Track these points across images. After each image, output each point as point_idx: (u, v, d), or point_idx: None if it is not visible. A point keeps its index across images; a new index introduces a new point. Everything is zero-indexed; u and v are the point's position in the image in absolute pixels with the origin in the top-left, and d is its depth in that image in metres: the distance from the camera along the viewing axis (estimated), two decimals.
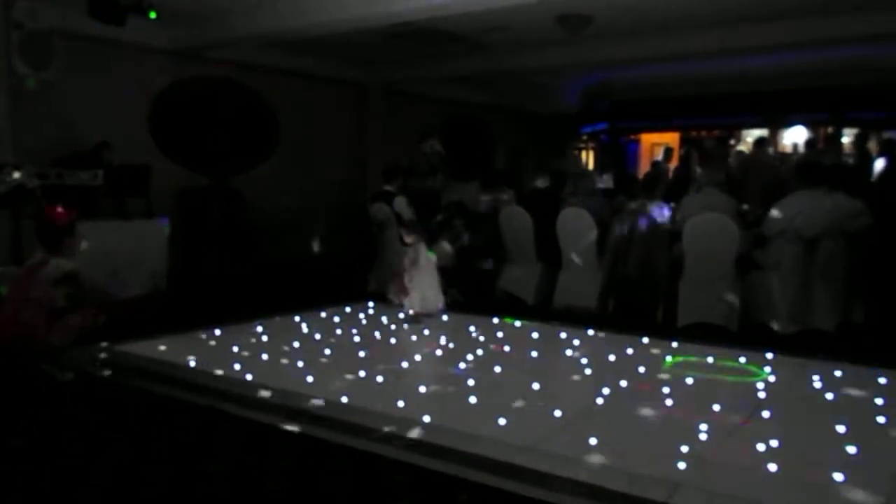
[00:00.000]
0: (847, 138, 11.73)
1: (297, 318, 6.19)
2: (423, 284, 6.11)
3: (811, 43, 8.74)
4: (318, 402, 3.95)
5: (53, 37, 7.32)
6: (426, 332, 5.85)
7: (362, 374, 4.53)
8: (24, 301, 4.42)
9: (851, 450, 3.35)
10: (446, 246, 6.27)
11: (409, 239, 6.23)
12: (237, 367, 4.62)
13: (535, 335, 5.68)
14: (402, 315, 6.19)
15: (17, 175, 6.34)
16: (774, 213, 6.12)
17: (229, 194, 9.45)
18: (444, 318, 6.35)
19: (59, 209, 4.64)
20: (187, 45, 8.90)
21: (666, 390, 4.25)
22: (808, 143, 11.05)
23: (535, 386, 4.28)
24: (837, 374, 4.66)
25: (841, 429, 3.62)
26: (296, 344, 5.31)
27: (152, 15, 7.44)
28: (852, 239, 6.11)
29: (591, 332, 5.79)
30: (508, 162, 12.68)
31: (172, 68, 9.17)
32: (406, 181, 8.01)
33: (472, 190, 8.48)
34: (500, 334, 5.71)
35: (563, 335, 5.71)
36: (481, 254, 7.64)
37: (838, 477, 3.03)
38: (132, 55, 8.66)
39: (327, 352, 5.08)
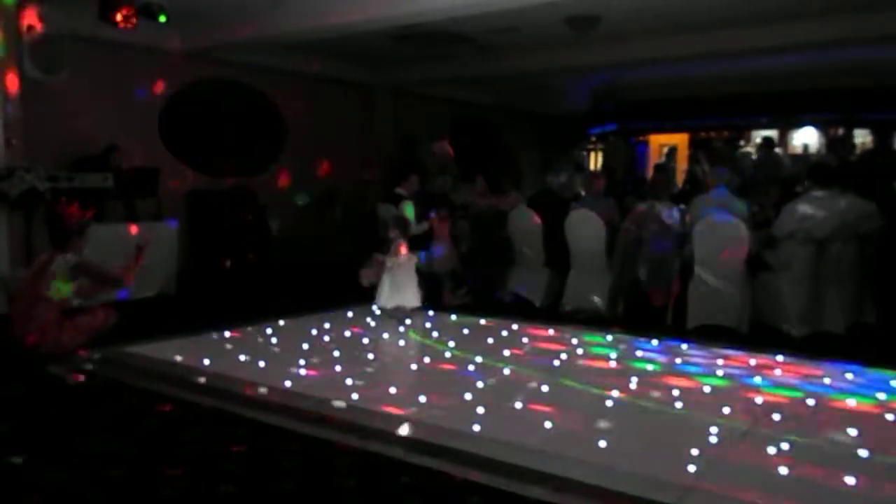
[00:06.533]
0: (859, 139, 11.67)
1: (305, 320, 6.20)
2: (397, 281, 6.17)
3: (822, 44, 8.68)
4: (327, 403, 3.96)
5: (64, 41, 7.36)
6: (435, 333, 5.85)
7: (371, 375, 4.54)
8: (35, 298, 4.45)
9: (863, 453, 3.33)
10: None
11: (391, 234, 6.31)
12: (246, 368, 4.63)
13: (544, 337, 5.67)
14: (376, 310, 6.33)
15: (28, 178, 6.38)
16: (785, 214, 6.09)
17: (240, 196, 9.48)
18: (453, 317, 6.36)
19: (73, 208, 4.67)
20: (197, 48, 8.93)
21: (676, 393, 4.24)
22: (831, 144, 10.99)
23: (545, 388, 4.28)
24: (849, 375, 4.63)
25: (853, 431, 3.59)
26: (304, 346, 5.32)
27: (162, 18, 7.46)
28: (863, 240, 6.07)
29: (600, 334, 5.77)
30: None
31: (182, 71, 9.21)
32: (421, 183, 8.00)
33: (478, 191, 8.47)
34: (508, 338, 5.70)
35: (573, 337, 5.70)
36: (489, 255, 7.62)
37: (850, 480, 3.01)
38: (142, 58, 8.69)
39: (336, 354, 5.09)
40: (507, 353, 5.17)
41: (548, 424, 3.65)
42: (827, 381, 4.51)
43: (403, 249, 6.22)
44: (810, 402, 4.12)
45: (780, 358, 5.00)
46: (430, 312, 6.50)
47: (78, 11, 7.30)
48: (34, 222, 6.47)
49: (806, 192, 6.36)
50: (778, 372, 4.73)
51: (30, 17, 7.00)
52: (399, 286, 6.18)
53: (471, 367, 4.77)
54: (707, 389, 4.34)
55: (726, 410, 3.91)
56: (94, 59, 8.20)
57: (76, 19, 7.41)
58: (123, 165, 7.88)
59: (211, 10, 8.04)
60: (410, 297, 6.24)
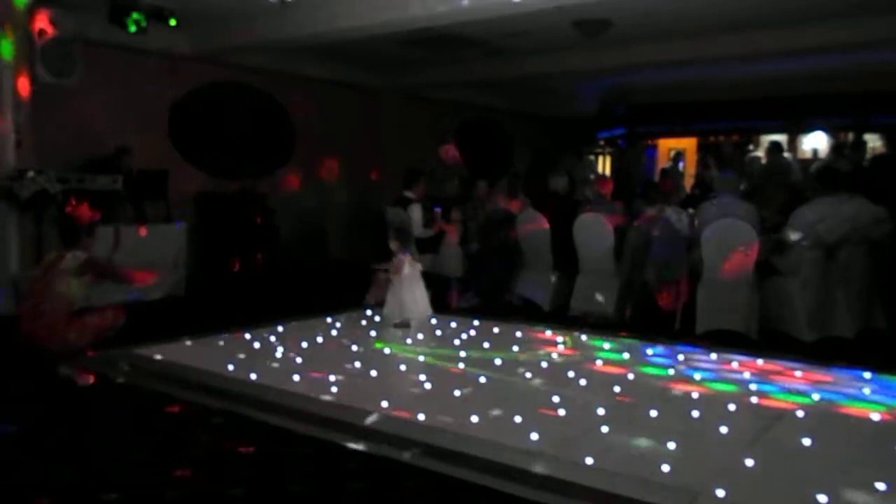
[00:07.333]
0: (870, 143, 11.59)
1: (313, 323, 6.21)
2: (403, 293, 6.10)
3: (832, 48, 8.65)
4: (334, 406, 3.96)
5: (75, 44, 7.41)
6: (437, 332, 5.85)
7: (378, 379, 4.54)
8: (43, 297, 4.48)
9: (873, 456, 3.31)
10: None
11: (392, 246, 6.22)
12: (255, 370, 4.64)
13: (552, 341, 5.67)
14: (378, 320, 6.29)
15: (39, 180, 6.42)
16: (795, 219, 6.06)
17: (248, 199, 9.52)
18: (459, 321, 6.36)
19: (84, 208, 4.71)
20: (206, 51, 8.97)
21: (685, 397, 4.22)
22: (837, 149, 10.94)
23: (553, 392, 4.27)
24: (859, 380, 4.60)
25: (862, 436, 3.57)
26: (312, 349, 5.32)
27: (172, 22, 7.52)
28: (873, 245, 6.04)
29: (608, 338, 5.76)
30: (530, 163, 12.71)
31: (191, 74, 9.25)
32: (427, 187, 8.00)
33: (480, 195, 8.49)
34: (517, 342, 5.69)
35: (582, 341, 5.69)
36: (497, 258, 7.62)
37: (858, 483, 2.99)
38: (152, 61, 8.75)
39: (344, 357, 5.09)
40: (515, 356, 5.16)
41: (556, 429, 3.64)
42: (837, 385, 4.48)
43: (404, 263, 6.15)
44: (818, 406, 4.10)
45: (789, 363, 4.97)
46: (434, 320, 6.43)
47: (89, 15, 7.36)
48: (44, 224, 6.51)
49: (814, 196, 6.33)
50: (787, 377, 4.70)
51: (41, 21, 7.06)
52: (402, 299, 6.10)
53: (478, 371, 4.76)
54: (716, 395, 4.32)
55: (736, 416, 3.89)
56: (104, 63, 8.25)
57: (87, 23, 7.46)
58: (133, 168, 7.93)
59: (220, 14, 8.08)
60: (418, 308, 6.17)
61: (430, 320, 6.31)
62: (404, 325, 6.09)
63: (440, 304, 6.78)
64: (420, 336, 5.89)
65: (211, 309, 7.22)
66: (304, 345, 5.42)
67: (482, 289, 7.54)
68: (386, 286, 6.22)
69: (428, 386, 4.42)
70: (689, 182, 12.40)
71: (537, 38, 9.11)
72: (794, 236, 5.89)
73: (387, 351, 5.35)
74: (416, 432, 3.59)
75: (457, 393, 4.27)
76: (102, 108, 8.36)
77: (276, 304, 7.17)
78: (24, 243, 6.60)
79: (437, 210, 7.52)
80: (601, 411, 3.96)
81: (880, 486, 3.00)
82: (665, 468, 3.14)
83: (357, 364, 4.89)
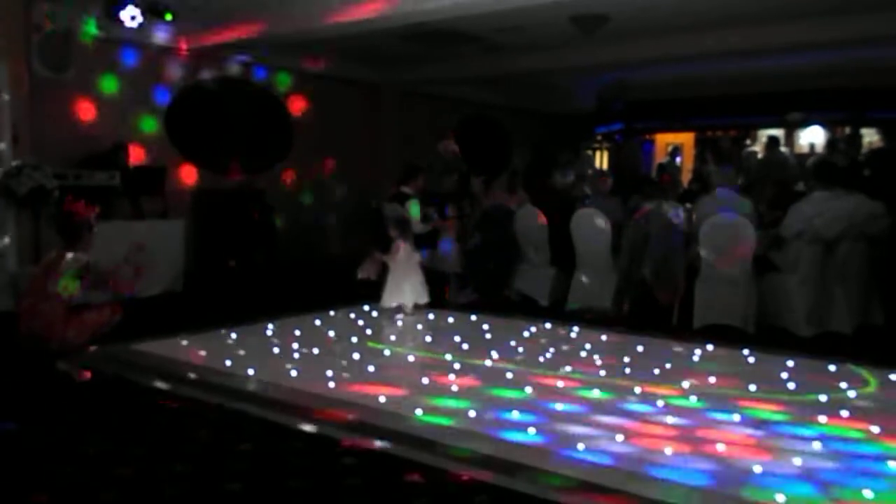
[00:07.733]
0: (867, 138, 11.63)
1: (311, 318, 6.21)
2: (398, 279, 6.24)
3: (830, 43, 8.65)
4: (332, 401, 3.96)
5: (72, 38, 7.38)
6: (435, 327, 5.85)
7: (376, 374, 4.54)
8: (42, 295, 4.47)
9: (870, 451, 3.32)
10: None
11: (392, 233, 6.37)
12: (253, 366, 4.64)
13: (549, 336, 5.67)
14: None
15: (36, 176, 6.40)
16: (792, 214, 6.07)
17: (246, 195, 9.49)
18: (456, 315, 6.37)
19: (82, 205, 4.69)
20: (203, 46, 8.94)
21: (684, 392, 4.23)
22: (830, 144, 10.96)
23: (552, 387, 4.28)
24: (856, 376, 4.61)
25: (860, 432, 3.58)
26: (310, 344, 5.32)
27: (168, 17, 7.49)
28: (871, 240, 6.05)
29: (605, 333, 5.76)
30: (528, 159, 12.70)
31: (188, 69, 9.22)
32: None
33: (477, 190, 8.48)
34: (515, 337, 5.70)
35: (578, 336, 5.69)
36: (495, 254, 7.62)
37: (856, 479, 3.00)
38: (149, 56, 8.71)
39: (341, 352, 5.09)
40: (513, 352, 5.16)
41: (555, 424, 3.65)
42: (834, 381, 4.49)
43: (402, 248, 6.24)
44: (816, 402, 4.11)
45: (786, 359, 4.99)
46: (431, 315, 6.46)
47: (86, 9, 7.33)
48: (42, 220, 6.49)
49: (810, 191, 6.33)
50: (784, 373, 4.71)
51: (38, 15, 7.03)
52: (400, 284, 6.21)
53: (475, 366, 4.77)
54: (714, 389, 4.33)
55: (735, 411, 3.90)
56: (101, 57, 8.21)
57: (84, 17, 7.44)
58: (130, 164, 7.90)
59: (218, 9, 8.05)
60: (412, 294, 6.26)
61: (427, 315, 6.33)
62: (400, 312, 6.14)
63: (437, 300, 6.79)
64: (418, 329, 5.89)
65: (209, 305, 7.22)
66: (302, 340, 5.42)
67: (480, 284, 7.55)
68: (378, 262, 6.32)
69: (425, 381, 4.43)
70: (686, 177, 12.41)
71: (534, 34, 9.09)
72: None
73: (384, 346, 5.35)
74: (413, 427, 3.59)
75: (454, 388, 4.28)
76: (99, 104, 8.33)
77: (274, 300, 7.16)
78: (21, 239, 6.59)
79: (433, 209, 7.52)
80: (601, 407, 3.97)
81: (869, 492, 3.01)
82: (662, 463, 3.15)
83: (355, 358, 4.90)
